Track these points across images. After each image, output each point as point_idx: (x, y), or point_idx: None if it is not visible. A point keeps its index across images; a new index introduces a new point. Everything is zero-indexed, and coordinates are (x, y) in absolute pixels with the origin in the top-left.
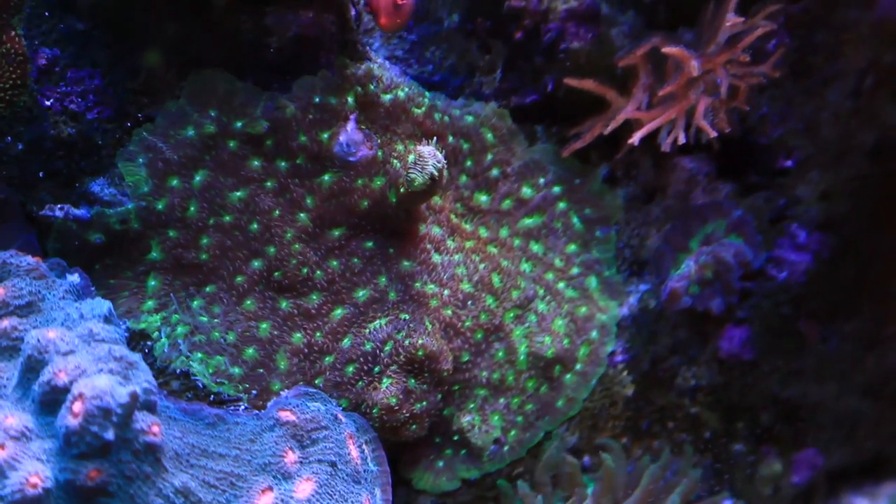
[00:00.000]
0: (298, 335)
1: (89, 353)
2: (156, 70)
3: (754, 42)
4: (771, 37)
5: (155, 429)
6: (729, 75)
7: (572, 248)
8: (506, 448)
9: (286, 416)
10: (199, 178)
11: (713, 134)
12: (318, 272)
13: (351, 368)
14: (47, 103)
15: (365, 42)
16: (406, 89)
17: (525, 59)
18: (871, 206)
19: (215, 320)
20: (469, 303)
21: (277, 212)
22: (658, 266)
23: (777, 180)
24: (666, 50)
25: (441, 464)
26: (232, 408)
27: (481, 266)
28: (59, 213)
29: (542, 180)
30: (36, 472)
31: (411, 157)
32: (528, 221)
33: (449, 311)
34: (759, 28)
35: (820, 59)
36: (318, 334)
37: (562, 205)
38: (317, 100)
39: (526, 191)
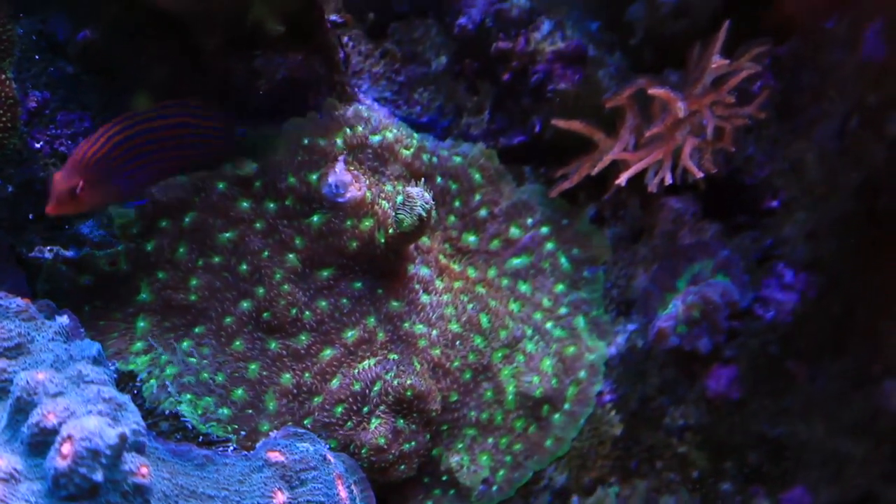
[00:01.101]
0: (287, 376)
1: (78, 394)
2: None
3: (740, 84)
4: (756, 78)
5: (144, 470)
6: (715, 116)
7: (560, 288)
8: (494, 488)
9: (275, 456)
10: (189, 220)
11: (699, 174)
12: (307, 313)
13: (340, 409)
14: (37, 146)
15: (353, 84)
16: (394, 130)
17: (513, 100)
18: (857, 245)
19: (204, 361)
20: (457, 343)
21: (266, 253)
22: (645, 306)
23: (763, 220)
24: (652, 91)
25: None
26: (221, 449)
27: (469, 306)
28: (48, 255)
29: (529, 221)
30: None
31: (400, 198)
32: (516, 261)
33: (437, 351)
34: (744, 70)
35: (805, 101)
36: (306, 375)
37: (550, 245)
38: (305, 142)
39: (514, 231)
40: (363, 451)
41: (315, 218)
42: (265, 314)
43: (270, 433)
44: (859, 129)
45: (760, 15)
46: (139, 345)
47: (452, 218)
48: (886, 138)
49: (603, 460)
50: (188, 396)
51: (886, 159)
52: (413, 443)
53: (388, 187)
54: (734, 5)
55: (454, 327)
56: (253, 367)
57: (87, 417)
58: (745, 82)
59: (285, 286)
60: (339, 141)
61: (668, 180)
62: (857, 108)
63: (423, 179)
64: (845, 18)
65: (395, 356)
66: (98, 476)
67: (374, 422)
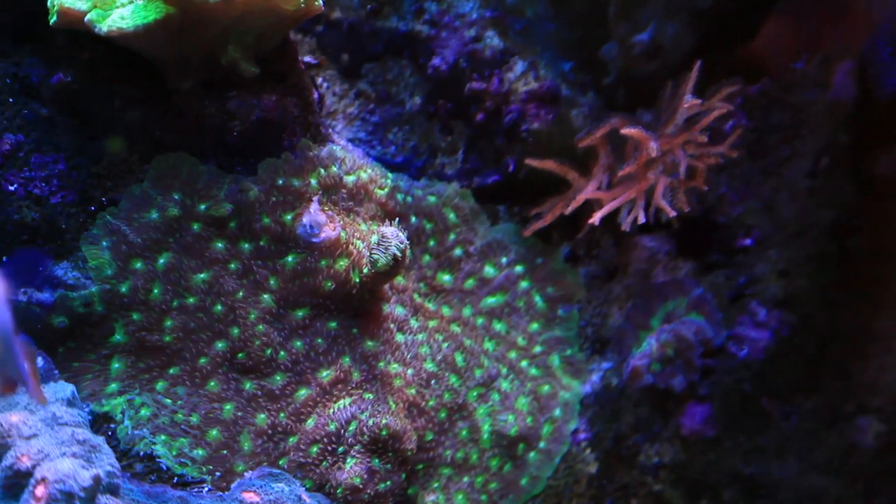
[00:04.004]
0: (262, 416)
1: (52, 436)
2: (119, 155)
3: (712, 123)
4: (728, 118)
5: None
6: (687, 156)
7: (535, 326)
8: None
9: (250, 497)
10: (163, 261)
11: (672, 213)
12: (282, 353)
13: (315, 449)
14: (11, 188)
15: (328, 124)
16: (369, 170)
17: (486, 140)
18: (829, 283)
19: (179, 402)
20: (433, 382)
21: (241, 293)
22: (620, 344)
23: (736, 258)
24: (625, 131)
25: None
26: (196, 490)
27: (445, 345)
28: (22, 297)
29: (504, 260)
30: None
31: (374, 238)
32: (490, 300)
33: (413, 391)
34: (716, 109)
35: (777, 140)
36: (281, 415)
37: (524, 284)
38: (280, 182)
39: (489, 270)
40: (338, 490)
41: (290, 258)
42: (240, 355)
43: (245, 473)
44: (830, 168)
45: (732, 55)
46: (113, 386)
47: (427, 257)
48: (857, 178)
49: (578, 499)
50: (163, 437)
51: (857, 198)
52: (388, 482)
53: (363, 227)
54: (706, 46)
55: (429, 366)
56: (228, 407)
57: (61, 459)
58: (718, 121)
59: (260, 326)
60: (313, 181)
61: (642, 219)
62: (828, 147)
63: (397, 219)
64: (815, 59)
65: (371, 396)
66: None
67: (350, 461)
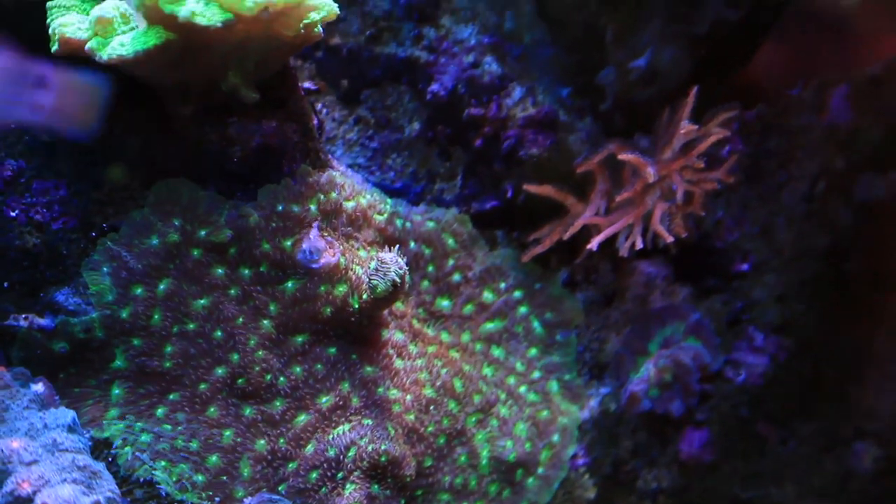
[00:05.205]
0: (262, 442)
1: (53, 462)
2: (120, 181)
3: (709, 148)
4: (725, 143)
5: None
6: (684, 181)
7: (533, 352)
8: None
9: None
10: (163, 287)
11: (670, 239)
12: (282, 378)
13: (314, 475)
14: (12, 214)
15: (327, 150)
16: (368, 196)
17: (485, 165)
18: (826, 308)
19: (179, 428)
20: (431, 408)
21: (241, 319)
22: (618, 369)
23: (734, 283)
24: (622, 157)
25: None
26: None
27: (443, 371)
28: (23, 323)
29: (503, 285)
30: None
31: (373, 264)
32: (489, 326)
33: (412, 416)
34: (712, 135)
35: (773, 165)
36: (281, 441)
37: (523, 309)
38: (280, 208)
39: (487, 295)
40: None
41: (289, 284)
42: (240, 380)
43: (245, 499)
44: (827, 192)
45: (728, 80)
46: (114, 412)
47: (426, 283)
48: (854, 202)
49: None
50: (162, 463)
51: (854, 223)
52: None
53: (362, 253)
54: (703, 71)
55: (428, 392)
56: (227, 433)
57: (61, 486)
58: (714, 147)
59: (259, 352)
60: (312, 207)
61: (639, 244)
62: (824, 172)
63: (396, 245)
64: (811, 84)
65: (370, 421)
66: None
67: (349, 487)
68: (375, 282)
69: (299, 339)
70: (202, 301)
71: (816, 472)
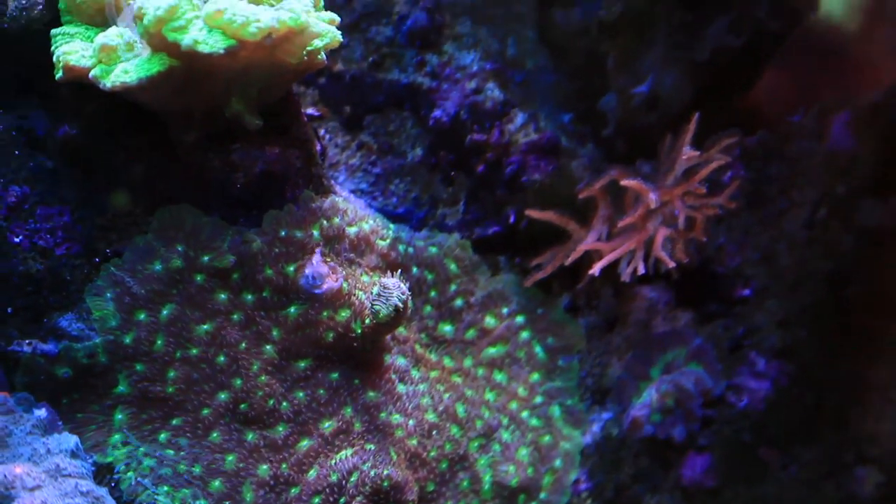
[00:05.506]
0: (265, 467)
1: (56, 488)
2: (124, 207)
3: (710, 174)
4: (726, 169)
5: None
6: (686, 207)
7: (535, 377)
8: None
9: None
10: (167, 312)
11: (671, 264)
12: (285, 403)
13: (317, 500)
14: (16, 240)
15: (330, 175)
16: (370, 222)
17: (487, 191)
18: (827, 333)
19: (182, 453)
20: (434, 433)
21: (244, 344)
22: (620, 394)
23: (735, 309)
24: (624, 183)
25: None
26: None
27: (446, 396)
28: (26, 349)
29: (505, 310)
30: None
31: (376, 289)
32: (491, 351)
33: (414, 441)
34: (714, 161)
35: (775, 191)
36: (284, 466)
37: (525, 334)
38: (283, 233)
39: (489, 320)
40: None
41: (292, 309)
42: (242, 405)
43: None
44: (828, 218)
45: (730, 106)
46: (117, 437)
47: (429, 308)
48: (855, 228)
49: None
50: (165, 488)
51: (855, 248)
52: None
53: (365, 278)
54: (704, 97)
55: (431, 417)
56: (230, 458)
57: None
58: (716, 173)
59: (262, 377)
60: (315, 233)
61: (641, 270)
62: (825, 197)
63: (399, 270)
64: (812, 111)
65: (372, 446)
66: None
67: None
68: (378, 307)
69: (302, 364)
70: (205, 326)
71: (818, 497)
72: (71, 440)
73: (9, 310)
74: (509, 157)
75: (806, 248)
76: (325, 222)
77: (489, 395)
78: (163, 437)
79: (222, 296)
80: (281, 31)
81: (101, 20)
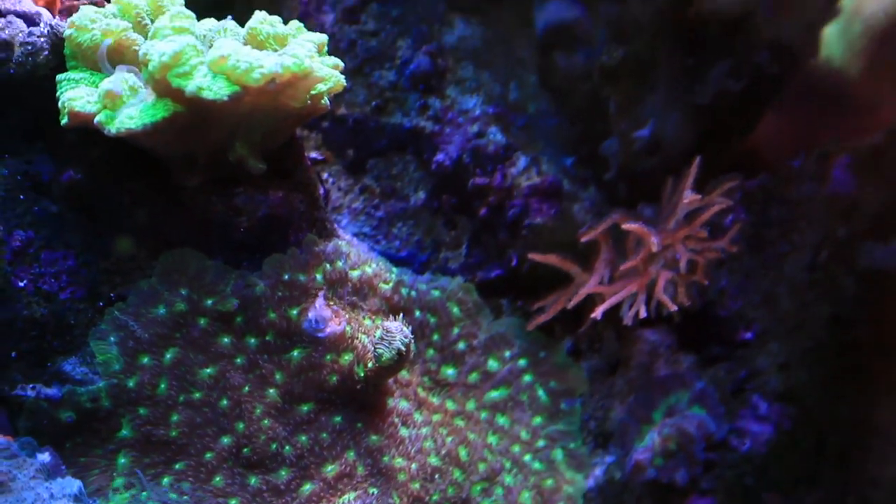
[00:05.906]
0: None
1: None
2: (128, 251)
3: (712, 217)
4: (728, 212)
5: None
6: (688, 250)
7: (538, 420)
8: None
9: None
10: (170, 356)
11: (673, 307)
12: (288, 447)
13: None
14: (21, 284)
15: (333, 219)
16: (373, 265)
17: (490, 234)
18: (829, 376)
19: (184, 497)
20: (436, 476)
21: (247, 388)
22: (622, 438)
23: (737, 352)
24: (626, 227)
25: None
26: None
27: (448, 439)
28: (30, 393)
29: (507, 353)
30: None
31: (378, 333)
32: (494, 394)
33: (417, 485)
34: (715, 205)
35: (776, 234)
36: None
37: (527, 377)
38: (286, 277)
39: (492, 364)
40: None
41: (295, 353)
42: (245, 449)
43: None
44: (829, 261)
45: (731, 150)
46: (120, 481)
47: (431, 351)
48: (856, 271)
49: None
50: None
51: (856, 291)
52: None
53: (368, 322)
54: (705, 141)
55: (433, 461)
56: (233, 502)
57: None
58: (717, 216)
59: (265, 421)
60: (318, 276)
61: (643, 313)
62: (826, 240)
63: (401, 314)
64: (813, 154)
65: (375, 490)
66: None
67: None
68: (381, 350)
69: (305, 407)
70: (208, 370)
71: None
72: (74, 484)
73: (13, 354)
74: (512, 200)
75: (807, 291)
76: (328, 266)
77: (492, 439)
78: (166, 481)
79: (225, 339)
80: (285, 77)
81: None
